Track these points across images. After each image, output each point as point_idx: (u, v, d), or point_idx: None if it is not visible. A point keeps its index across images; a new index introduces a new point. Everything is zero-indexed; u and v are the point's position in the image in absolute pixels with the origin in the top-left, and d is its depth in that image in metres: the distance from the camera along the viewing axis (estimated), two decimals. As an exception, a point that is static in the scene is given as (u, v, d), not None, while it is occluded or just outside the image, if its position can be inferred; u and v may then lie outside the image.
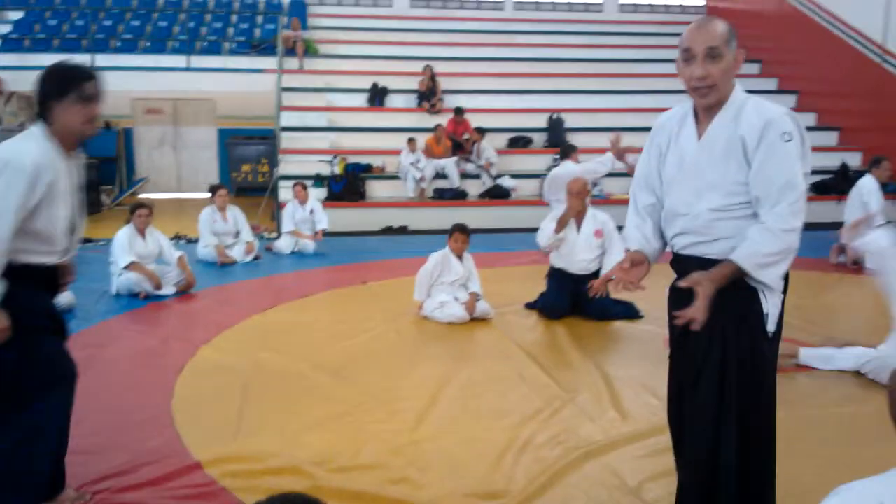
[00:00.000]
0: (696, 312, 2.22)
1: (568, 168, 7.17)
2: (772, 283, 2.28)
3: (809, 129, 13.23)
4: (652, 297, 5.50)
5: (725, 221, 2.32)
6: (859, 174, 9.13)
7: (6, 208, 2.49)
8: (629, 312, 5.79)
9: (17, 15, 15.25)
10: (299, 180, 9.55)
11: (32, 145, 2.62)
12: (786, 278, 2.37)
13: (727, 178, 2.30)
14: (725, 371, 2.31)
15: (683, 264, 2.43)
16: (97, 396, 4.05)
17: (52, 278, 2.81)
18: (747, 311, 2.31)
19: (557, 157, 12.47)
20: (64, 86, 2.68)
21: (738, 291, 2.28)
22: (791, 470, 3.17)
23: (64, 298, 5.94)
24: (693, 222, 2.37)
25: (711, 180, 2.32)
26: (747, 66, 15.45)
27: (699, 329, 2.25)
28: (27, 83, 12.81)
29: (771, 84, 14.89)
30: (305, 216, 9.02)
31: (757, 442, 2.36)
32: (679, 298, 2.37)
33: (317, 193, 11.45)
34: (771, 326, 2.34)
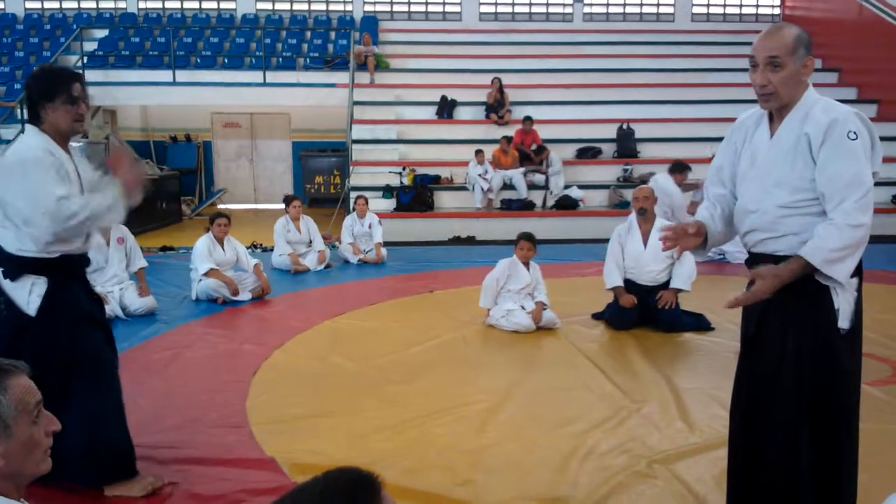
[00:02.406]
0: (746, 297, 2.35)
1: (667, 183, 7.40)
2: (841, 279, 2.27)
3: (890, 139, 13.02)
4: (722, 309, 5.43)
5: (793, 218, 2.36)
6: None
7: (51, 192, 2.69)
8: (699, 324, 5.71)
9: (102, 33, 16.02)
10: (361, 194, 9.73)
11: (33, 140, 2.82)
12: (859, 275, 2.38)
13: (794, 174, 2.35)
14: (801, 370, 2.33)
15: (755, 262, 2.47)
16: (177, 395, 4.25)
17: (81, 267, 3.02)
18: (819, 308, 2.32)
19: (627, 167, 12.41)
20: (53, 88, 2.83)
21: (809, 288, 2.30)
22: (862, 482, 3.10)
23: (146, 303, 6.24)
24: (761, 219, 2.42)
25: (779, 177, 2.38)
26: (825, 76, 15.04)
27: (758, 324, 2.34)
28: (113, 98, 13.42)
29: (850, 93, 14.43)
30: (364, 230, 9.19)
31: (836, 443, 2.34)
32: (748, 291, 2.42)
33: (386, 205, 11.67)
34: (844, 323, 2.34)
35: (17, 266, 2.84)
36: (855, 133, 2.27)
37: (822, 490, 2.34)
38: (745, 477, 2.53)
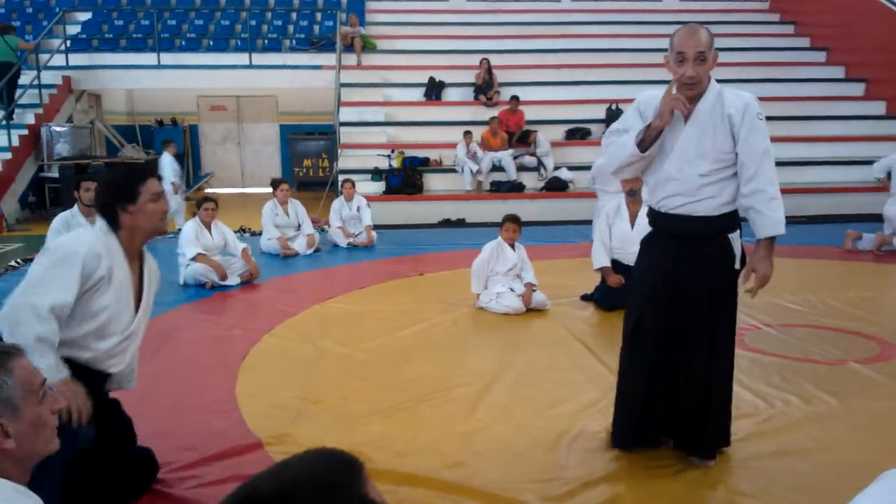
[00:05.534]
0: (759, 285, 2.97)
1: None
2: (784, 225, 2.90)
3: (878, 118, 13.13)
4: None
5: (712, 185, 2.90)
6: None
7: (56, 283, 2.52)
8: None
9: (85, 16, 15.82)
10: (348, 177, 9.67)
11: (91, 236, 2.70)
12: (740, 229, 2.99)
13: (715, 148, 2.87)
14: (712, 296, 2.96)
15: (671, 222, 3.00)
16: (166, 380, 4.23)
17: (96, 384, 2.72)
18: (724, 255, 2.97)
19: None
20: (134, 189, 2.73)
21: (718, 241, 2.97)
22: (848, 456, 3.13)
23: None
24: (683, 186, 2.92)
25: (700, 150, 2.87)
26: (812, 54, 15.07)
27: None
28: (97, 82, 13.32)
29: (838, 72, 14.47)
30: (352, 213, 9.15)
31: (730, 355, 3.06)
32: (651, 246, 3.12)
33: (375, 187, 11.62)
34: (737, 264, 3.01)
35: None
36: (761, 115, 2.87)
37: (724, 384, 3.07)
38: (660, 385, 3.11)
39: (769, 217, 2.86)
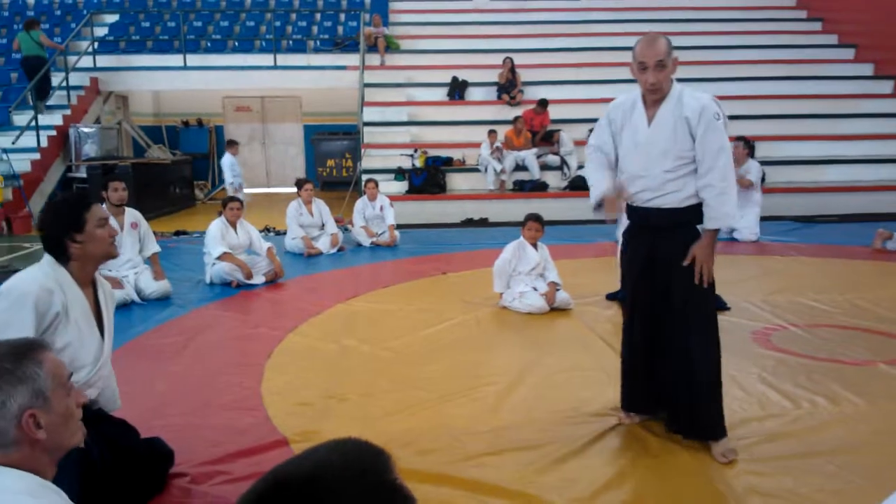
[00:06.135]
0: (706, 264, 3.20)
1: None
2: (735, 224, 3.22)
3: None
4: (738, 290, 5.47)
5: (675, 180, 3.18)
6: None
7: (13, 325, 2.47)
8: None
9: (112, 18, 16.03)
10: (371, 177, 9.70)
11: (39, 273, 2.65)
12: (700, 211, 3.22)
13: (676, 147, 3.15)
14: (685, 276, 3.19)
15: (643, 215, 3.31)
16: (192, 378, 4.28)
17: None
18: (692, 238, 3.22)
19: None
20: (79, 217, 2.69)
21: (687, 227, 3.25)
22: (875, 458, 3.09)
23: (161, 287, 6.28)
24: (650, 182, 3.23)
25: (663, 149, 3.16)
26: (840, 51, 14.86)
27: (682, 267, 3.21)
28: (124, 83, 13.49)
29: (867, 69, 14.26)
30: (375, 213, 9.19)
31: (713, 332, 3.26)
32: (633, 239, 3.42)
33: (398, 187, 11.66)
34: None
35: None
36: (718, 114, 3.10)
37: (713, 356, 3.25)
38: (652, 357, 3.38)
39: (716, 210, 3.14)
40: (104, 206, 6.16)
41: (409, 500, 0.93)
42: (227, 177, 11.03)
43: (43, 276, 2.64)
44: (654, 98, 3.18)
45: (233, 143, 11.65)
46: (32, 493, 1.49)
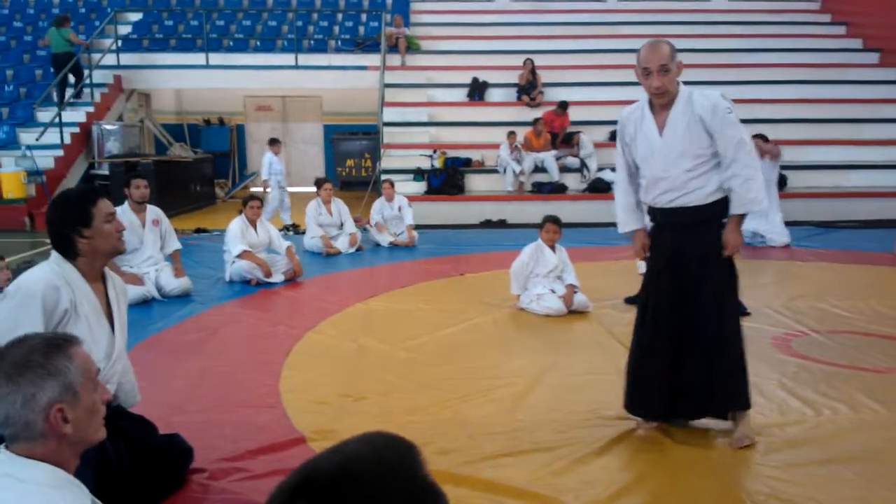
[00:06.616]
0: (732, 247, 3.32)
1: None
2: (762, 207, 3.34)
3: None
4: (759, 295, 5.43)
5: (697, 178, 3.27)
6: None
7: (23, 324, 2.41)
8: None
9: (136, 17, 16.20)
10: (388, 178, 9.72)
11: (46, 270, 2.63)
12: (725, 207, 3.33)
13: (693, 146, 3.25)
14: (709, 267, 3.30)
15: (668, 216, 3.37)
16: (211, 375, 4.32)
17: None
18: (718, 232, 3.33)
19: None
20: (86, 212, 2.67)
21: (714, 226, 3.33)
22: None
23: (181, 284, 6.33)
24: (672, 182, 3.30)
25: (681, 150, 3.26)
26: (867, 55, 14.71)
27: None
28: (146, 81, 13.62)
29: (892, 74, 14.10)
30: (394, 213, 9.20)
31: (737, 318, 3.40)
32: (656, 238, 3.47)
33: (417, 188, 11.67)
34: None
35: None
36: (729, 109, 3.22)
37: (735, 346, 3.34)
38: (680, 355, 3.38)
39: (742, 196, 3.25)
40: (126, 203, 6.24)
41: (440, 496, 0.93)
42: (264, 173, 11.10)
43: (50, 273, 2.63)
44: (661, 102, 3.28)
45: (274, 142, 11.48)
46: (57, 486, 1.51)
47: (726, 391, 3.34)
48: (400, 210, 9.20)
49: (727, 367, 3.32)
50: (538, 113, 12.68)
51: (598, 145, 12.28)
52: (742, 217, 3.32)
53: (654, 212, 3.47)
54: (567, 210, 8.92)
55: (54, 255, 2.71)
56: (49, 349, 1.57)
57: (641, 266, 5.81)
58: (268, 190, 10.94)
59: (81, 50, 13.33)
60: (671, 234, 3.38)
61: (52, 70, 13.24)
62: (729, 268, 3.38)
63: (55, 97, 12.84)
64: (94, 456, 2.46)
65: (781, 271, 7.35)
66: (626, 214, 3.59)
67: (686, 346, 3.39)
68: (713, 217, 3.33)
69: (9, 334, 2.38)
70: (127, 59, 14.52)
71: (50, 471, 1.53)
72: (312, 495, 0.88)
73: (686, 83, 3.34)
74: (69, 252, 2.68)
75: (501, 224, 11.19)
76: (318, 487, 0.88)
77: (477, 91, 13.84)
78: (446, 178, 11.67)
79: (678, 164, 3.27)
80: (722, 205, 3.32)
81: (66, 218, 2.68)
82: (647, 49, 3.25)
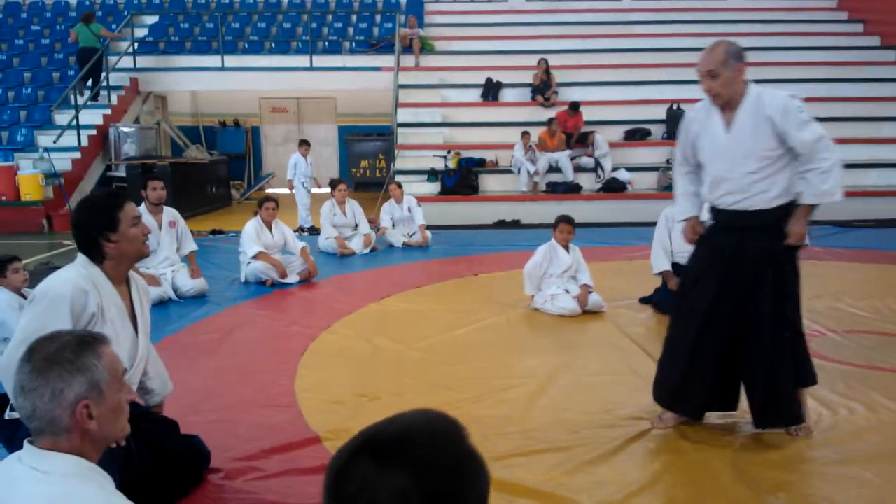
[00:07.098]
0: (797, 237, 3.27)
1: None
2: (836, 197, 3.21)
3: None
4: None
5: (760, 182, 3.23)
6: None
7: (49, 328, 2.43)
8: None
9: (152, 19, 16.32)
10: (395, 179, 9.72)
11: (74, 274, 2.64)
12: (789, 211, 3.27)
13: (758, 148, 3.21)
14: (773, 267, 3.27)
15: (730, 217, 3.34)
16: (226, 375, 4.34)
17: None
18: (781, 232, 3.26)
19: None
20: (113, 216, 2.68)
21: (777, 230, 3.25)
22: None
23: (197, 285, 6.37)
24: (735, 184, 3.27)
25: (746, 151, 3.22)
26: (884, 53, 14.57)
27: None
28: (163, 84, 13.71)
29: (873, 41, 13.98)
30: (404, 214, 9.21)
31: (797, 316, 3.34)
32: (707, 239, 3.45)
33: (431, 188, 11.69)
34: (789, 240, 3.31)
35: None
36: (800, 108, 3.19)
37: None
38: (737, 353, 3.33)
39: (815, 187, 3.19)
40: (143, 204, 6.30)
41: (482, 463, 1.05)
42: (289, 173, 11.16)
43: (77, 276, 2.64)
44: (718, 102, 3.27)
45: (303, 143, 11.46)
46: (82, 475, 1.54)
47: (784, 407, 3.33)
48: (409, 211, 9.21)
49: (786, 380, 3.28)
50: (552, 113, 12.66)
51: (612, 145, 12.24)
52: (811, 208, 3.25)
53: (716, 212, 3.44)
54: (581, 210, 8.89)
55: (81, 258, 2.72)
56: (79, 346, 1.60)
57: (656, 266, 5.82)
58: (292, 191, 10.99)
59: (107, 43, 13.43)
60: (733, 236, 3.32)
61: (77, 67, 13.38)
62: (791, 273, 3.32)
63: (72, 100, 12.96)
64: (122, 453, 2.48)
65: (798, 271, 7.29)
66: (685, 200, 3.56)
67: (744, 349, 3.33)
68: (776, 221, 3.26)
69: (34, 336, 2.42)
70: (143, 61, 14.64)
71: (74, 462, 1.55)
72: (374, 453, 1.00)
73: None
74: (96, 256, 2.70)
75: (515, 224, 11.18)
76: (379, 446, 1.01)
77: (491, 91, 13.84)
78: (460, 179, 11.67)
79: (742, 164, 3.23)
80: (787, 209, 3.26)
81: (93, 222, 2.70)
82: (704, 52, 3.26)
